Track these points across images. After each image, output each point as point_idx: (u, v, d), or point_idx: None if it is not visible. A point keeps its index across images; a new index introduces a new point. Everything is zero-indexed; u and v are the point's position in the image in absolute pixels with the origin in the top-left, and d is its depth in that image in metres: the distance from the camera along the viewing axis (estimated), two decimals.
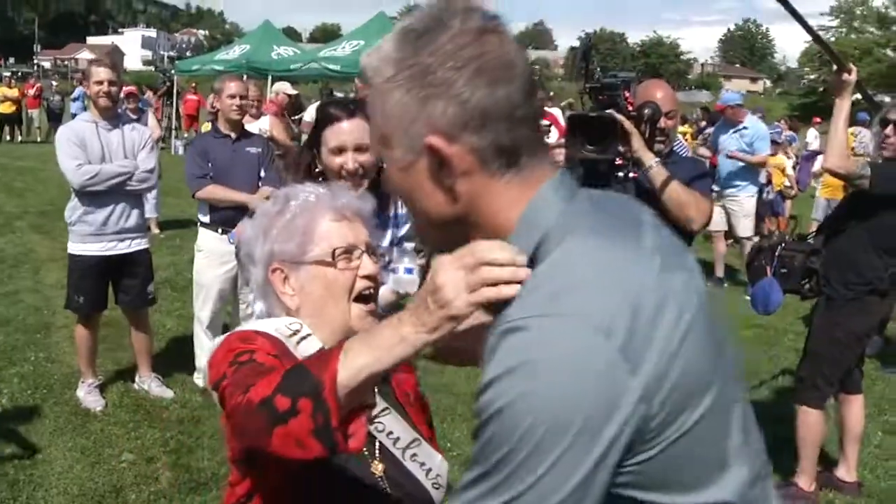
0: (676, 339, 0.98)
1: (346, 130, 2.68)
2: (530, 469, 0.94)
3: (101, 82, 4.69)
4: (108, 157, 4.74)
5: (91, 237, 4.78)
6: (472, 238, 1.09)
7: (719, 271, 9.10)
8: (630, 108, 3.04)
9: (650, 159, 3.06)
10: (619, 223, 1.10)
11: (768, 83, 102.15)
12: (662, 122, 3.18)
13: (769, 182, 11.13)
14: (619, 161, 2.95)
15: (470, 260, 1.05)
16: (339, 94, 12.58)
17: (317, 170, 2.78)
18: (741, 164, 8.69)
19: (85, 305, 4.93)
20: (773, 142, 10.42)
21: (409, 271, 3.00)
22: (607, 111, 2.91)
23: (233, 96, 4.97)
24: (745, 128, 8.77)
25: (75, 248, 4.84)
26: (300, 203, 1.62)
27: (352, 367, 1.13)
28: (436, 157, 1.06)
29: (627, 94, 3.03)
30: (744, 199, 8.82)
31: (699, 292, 1.08)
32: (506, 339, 0.97)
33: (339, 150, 2.68)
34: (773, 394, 5.70)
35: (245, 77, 11.95)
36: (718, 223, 8.56)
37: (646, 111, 3.07)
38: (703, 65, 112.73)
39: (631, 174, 3.00)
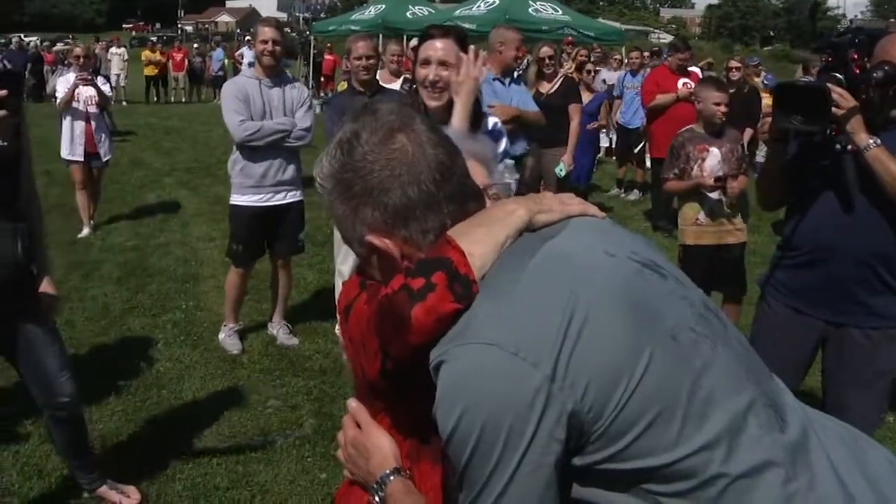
0: (576, 327, 1.10)
1: (435, 46, 2.91)
2: (482, 471, 1.12)
3: (266, 41, 4.87)
4: (269, 114, 4.91)
5: (250, 189, 4.98)
6: None
7: None
8: (857, 71, 2.64)
9: (864, 140, 2.61)
10: (524, 246, 1.24)
11: None
12: None
13: None
14: (836, 132, 2.64)
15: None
16: None
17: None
18: None
19: (242, 254, 5.16)
20: None
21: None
22: (819, 80, 2.65)
23: (359, 57, 4.97)
24: None
25: (235, 198, 5.06)
26: None
27: (468, 241, 1.21)
28: (379, 250, 1.28)
29: (856, 56, 2.65)
30: None
31: (621, 273, 1.20)
32: (435, 373, 1.16)
33: (426, 63, 2.92)
34: None
35: (381, 37, 12.07)
36: None
37: (875, 74, 2.60)
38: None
39: (849, 146, 2.66)
